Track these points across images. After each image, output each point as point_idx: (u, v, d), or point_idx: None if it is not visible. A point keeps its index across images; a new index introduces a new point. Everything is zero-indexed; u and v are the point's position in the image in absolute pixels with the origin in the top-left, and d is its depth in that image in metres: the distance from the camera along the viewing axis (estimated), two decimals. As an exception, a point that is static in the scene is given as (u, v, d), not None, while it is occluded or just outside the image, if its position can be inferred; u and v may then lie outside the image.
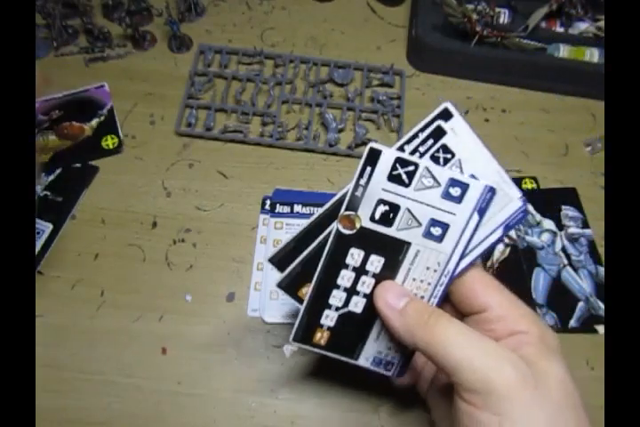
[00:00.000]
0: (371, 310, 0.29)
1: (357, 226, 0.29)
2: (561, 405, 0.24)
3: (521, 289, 0.43)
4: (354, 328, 0.30)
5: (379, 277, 0.29)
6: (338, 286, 0.30)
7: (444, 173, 0.28)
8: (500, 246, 0.45)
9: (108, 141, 0.49)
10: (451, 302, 0.30)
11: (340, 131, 0.51)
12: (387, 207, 0.29)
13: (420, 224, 0.29)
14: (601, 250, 0.45)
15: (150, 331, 0.41)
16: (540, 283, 0.44)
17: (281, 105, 0.52)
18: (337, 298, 0.30)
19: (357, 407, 0.39)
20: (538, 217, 0.47)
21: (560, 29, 0.56)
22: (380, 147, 0.28)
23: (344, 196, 0.29)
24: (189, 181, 0.48)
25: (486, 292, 0.28)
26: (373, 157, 0.28)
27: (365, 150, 0.28)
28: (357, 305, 0.30)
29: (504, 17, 0.55)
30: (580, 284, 0.44)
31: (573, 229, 0.46)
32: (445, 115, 0.29)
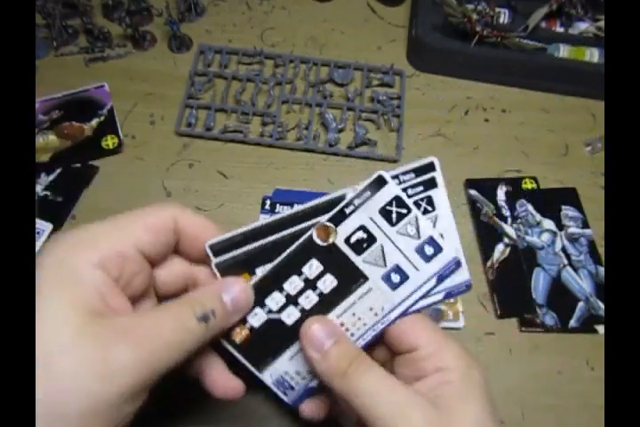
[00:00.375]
0: (299, 328, 0.28)
1: (330, 241, 0.29)
2: None
3: (521, 289, 0.43)
4: (274, 339, 0.29)
5: (323, 299, 0.29)
6: (281, 290, 0.29)
7: (427, 230, 0.29)
8: (500, 246, 0.45)
9: (108, 141, 0.49)
10: (383, 341, 0.30)
11: (340, 131, 0.51)
12: (364, 236, 0.29)
13: (384, 265, 0.29)
14: (601, 250, 0.45)
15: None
16: (539, 283, 0.44)
17: (281, 105, 0.52)
18: (274, 301, 0.29)
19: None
20: (538, 217, 0.47)
21: (560, 29, 0.56)
22: (387, 177, 0.28)
23: (315, 207, 0.29)
24: (189, 181, 0.48)
25: (416, 332, 0.28)
26: (378, 184, 0.28)
27: (373, 176, 0.28)
28: (290, 317, 0.29)
29: (504, 17, 0.55)
30: (580, 284, 0.44)
31: (573, 229, 0.46)
32: (429, 169, 0.30)
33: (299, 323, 0.28)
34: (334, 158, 0.50)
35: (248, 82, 0.53)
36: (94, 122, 0.50)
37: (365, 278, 0.29)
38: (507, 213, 0.47)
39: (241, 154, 0.50)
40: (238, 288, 0.27)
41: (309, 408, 0.30)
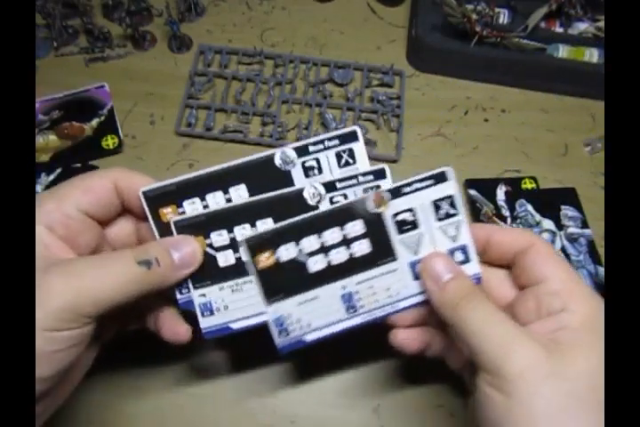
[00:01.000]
0: (320, 279, 0.29)
1: (381, 210, 0.29)
2: (579, 397, 0.24)
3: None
4: (292, 280, 0.30)
5: (351, 260, 0.30)
6: (320, 235, 0.29)
7: (465, 237, 0.30)
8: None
9: (108, 141, 0.49)
10: (512, 273, 0.30)
11: (340, 131, 0.51)
12: (411, 218, 0.29)
13: (416, 253, 0.30)
14: (601, 250, 0.45)
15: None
16: (539, 283, 0.44)
17: (281, 105, 0.52)
18: (310, 243, 0.29)
19: (357, 407, 0.39)
20: (537, 217, 0.47)
21: (560, 29, 0.56)
22: (450, 175, 0.29)
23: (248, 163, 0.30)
24: (189, 181, 0.48)
25: (546, 263, 0.28)
26: (440, 178, 0.29)
27: (439, 169, 0.29)
28: (316, 264, 0.30)
29: (504, 17, 0.55)
30: (580, 284, 0.44)
31: (573, 229, 0.46)
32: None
33: (319, 273, 0.30)
34: (334, 158, 0.50)
35: (248, 82, 0.53)
36: (94, 122, 0.50)
37: (394, 258, 0.30)
38: (506, 213, 0.47)
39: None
40: (189, 248, 0.29)
41: (401, 336, 0.31)
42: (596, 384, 0.24)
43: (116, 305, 0.26)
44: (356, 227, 0.29)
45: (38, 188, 0.46)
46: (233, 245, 0.30)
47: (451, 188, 0.29)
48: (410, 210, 0.29)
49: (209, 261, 0.30)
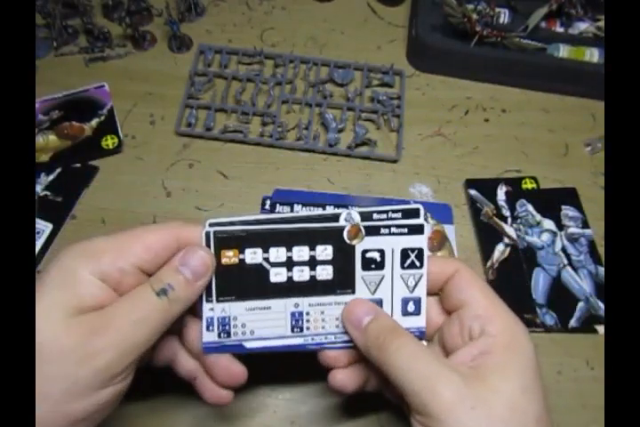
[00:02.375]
0: (277, 291, 0.30)
1: (353, 243, 0.30)
2: (503, 419, 0.24)
3: (521, 289, 0.43)
4: (249, 285, 0.30)
5: (311, 283, 0.30)
6: (289, 250, 0.30)
7: (421, 290, 0.31)
8: (500, 246, 0.45)
9: (108, 141, 0.49)
10: (440, 298, 0.31)
11: (340, 131, 0.51)
12: (377, 259, 0.30)
13: (373, 293, 0.31)
14: (601, 250, 0.45)
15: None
16: (539, 283, 0.44)
17: (281, 105, 0.52)
18: (277, 254, 0.30)
19: (357, 407, 0.39)
20: (538, 217, 0.47)
21: (560, 29, 0.56)
22: (426, 229, 0.30)
23: (312, 217, 0.30)
24: (189, 181, 0.48)
25: (468, 288, 0.29)
26: (416, 230, 0.30)
27: (418, 220, 0.30)
28: (276, 276, 0.30)
29: (504, 17, 0.55)
30: (580, 284, 0.44)
31: (573, 229, 0.46)
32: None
33: (277, 285, 0.30)
34: (334, 158, 0.50)
35: (248, 82, 0.53)
36: (94, 122, 0.50)
37: (353, 292, 0.31)
38: (507, 213, 0.47)
39: (241, 154, 0.50)
40: (197, 258, 0.28)
41: (341, 377, 0.31)
42: (516, 404, 0.25)
43: (152, 343, 0.27)
44: (325, 251, 0.30)
45: (38, 188, 0.46)
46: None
47: (422, 242, 0.30)
48: (380, 251, 0.30)
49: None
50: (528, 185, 0.49)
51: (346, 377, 0.31)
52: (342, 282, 0.30)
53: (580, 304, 0.43)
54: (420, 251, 0.30)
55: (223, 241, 0.29)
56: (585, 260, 0.45)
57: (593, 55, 0.53)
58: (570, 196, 0.48)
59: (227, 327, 0.30)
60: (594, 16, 0.55)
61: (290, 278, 0.30)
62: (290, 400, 0.39)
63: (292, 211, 0.46)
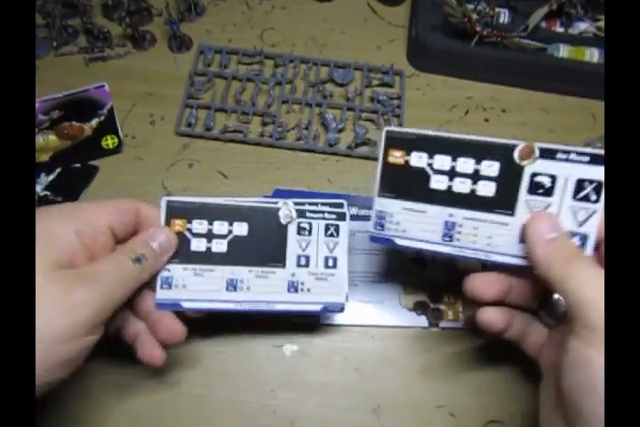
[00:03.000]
0: (435, 198, 0.31)
1: (524, 163, 0.29)
2: None
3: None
4: (412, 185, 0.32)
5: (471, 194, 0.30)
6: (454, 158, 0.30)
7: (592, 227, 0.29)
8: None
9: (108, 141, 0.49)
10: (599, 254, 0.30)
11: (340, 131, 0.51)
12: (549, 184, 0.29)
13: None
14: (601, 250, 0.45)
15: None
16: (540, 283, 0.44)
17: (281, 105, 0.52)
18: (442, 161, 0.31)
19: (357, 407, 0.39)
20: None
21: (560, 29, 0.56)
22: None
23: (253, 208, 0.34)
24: (189, 181, 0.48)
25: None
26: (596, 159, 0.29)
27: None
28: (437, 183, 0.31)
29: (504, 17, 0.55)
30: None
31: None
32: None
33: (437, 192, 0.31)
34: (334, 158, 0.50)
35: (248, 82, 0.53)
36: (94, 122, 0.50)
37: (512, 214, 0.30)
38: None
39: (241, 154, 0.50)
40: (164, 236, 0.32)
41: (489, 315, 0.32)
42: None
43: (123, 303, 0.30)
44: (491, 167, 0.29)
45: (38, 188, 0.46)
46: (209, 235, 0.34)
47: (602, 174, 0.29)
48: (552, 176, 0.29)
49: (183, 242, 0.33)
50: (528, 185, 0.49)
51: (494, 315, 0.32)
52: (503, 202, 0.30)
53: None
54: (600, 184, 0.29)
55: (394, 141, 0.31)
56: (585, 260, 0.45)
57: (593, 55, 0.53)
58: (570, 196, 0.48)
59: (382, 221, 0.32)
60: (594, 16, 0.55)
61: (449, 188, 0.31)
62: (290, 400, 0.39)
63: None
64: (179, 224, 0.33)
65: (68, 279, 0.28)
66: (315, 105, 0.52)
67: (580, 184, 0.29)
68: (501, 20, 0.55)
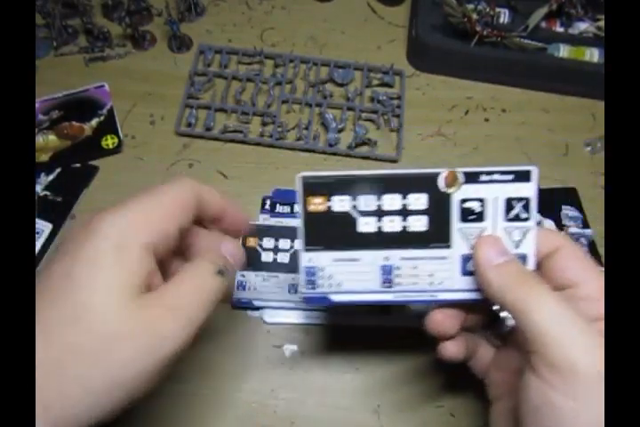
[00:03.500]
0: (365, 242, 0.28)
1: (450, 191, 0.28)
2: None
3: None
4: (338, 234, 0.29)
5: (402, 234, 0.28)
6: (379, 198, 0.28)
7: (528, 246, 0.28)
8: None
9: (108, 141, 0.49)
10: (540, 274, 0.29)
11: (340, 131, 0.51)
12: (478, 209, 0.28)
13: (471, 247, 0.28)
14: (601, 250, 0.45)
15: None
16: (540, 283, 0.44)
17: (281, 105, 0.52)
18: (366, 202, 0.28)
19: (357, 407, 0.39)
20: (538, 217, 0.47)
21: (560, 29, 0.56)
22: (534, 175, 0.28)
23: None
24: (189, 181, 0.48)
25: (580, 268, 0.27)
26: (523, 176, 0.28)
27: (524, 166, 0.28)
28: (365, 225, 0.28)
29: (504, 17, 0.55)
30: (581, 284, 0.44)
31: (573, 229, 0.46)
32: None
33: (366, 236, 0.28)
34: (334, 158, 0.50)
35: (248, 82, 0.53)
36: (94, 122, 0.50)
37: (448, 246, 0.28)
38: (507, 212, 0.47)
39: (241, 154, 0.50)
40: (233, 247, 0.29)
41: (450, 350, 0.30)
42: None
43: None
44: (419, 200, 0.28)
45: (38, 188, 0.46)
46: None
47: (530, 190, 0.28)
48: (480, 200, 0.28)
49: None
50: (528, 185, 0.49)
51: (455, 349, 0.30)
52: (437, 235, 0.28)
53: (580, 304, 0.43)
54: (528, 201, 0.28)
55: (311, 187, 0.28)
56: (585, 260, 0.45)
57: (593, 55, 0.53)
58: (570, 196, 0.48)
59: (313, 278, 0.29)
60: (594, 16, 0.55)
61: (379, 229, 0.28)
62: (290, 400, 0.39)
63: (291, 211, 0.46)
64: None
65: (154, 310, 0.23)
66: (315, 105, 0.52)
67: (510, 204, 0.28)
68: (501, 20, 0.55)
